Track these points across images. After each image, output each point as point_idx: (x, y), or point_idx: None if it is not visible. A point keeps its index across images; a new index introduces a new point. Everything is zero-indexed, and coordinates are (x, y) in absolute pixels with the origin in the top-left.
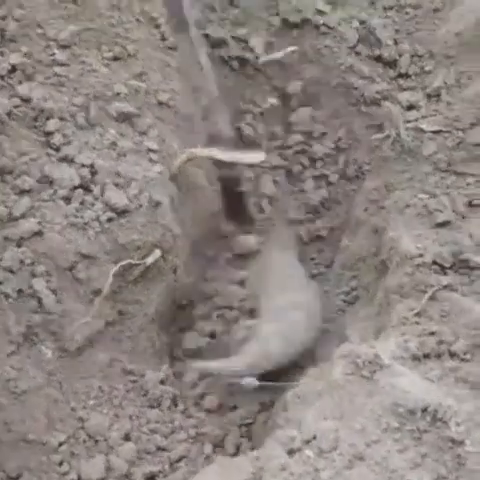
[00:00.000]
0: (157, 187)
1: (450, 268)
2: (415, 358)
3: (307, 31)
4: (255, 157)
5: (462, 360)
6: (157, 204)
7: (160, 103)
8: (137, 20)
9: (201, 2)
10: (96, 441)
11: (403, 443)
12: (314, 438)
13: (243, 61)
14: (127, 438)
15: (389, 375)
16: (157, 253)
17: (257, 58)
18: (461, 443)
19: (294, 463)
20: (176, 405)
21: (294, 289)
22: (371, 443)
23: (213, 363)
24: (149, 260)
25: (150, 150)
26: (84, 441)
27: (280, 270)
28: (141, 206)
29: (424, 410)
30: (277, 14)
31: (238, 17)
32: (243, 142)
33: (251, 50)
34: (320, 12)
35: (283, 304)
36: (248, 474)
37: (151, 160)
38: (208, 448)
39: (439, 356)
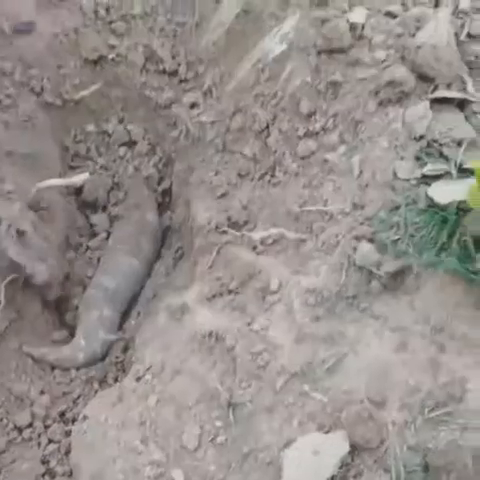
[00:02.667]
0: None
1: (227, 228)
2: (207, 299)
3: (105, 64)
4: (82, 177)
5: (235, 294)
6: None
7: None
8: None
9: None
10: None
11: (202, 357)
12: (150, 366)
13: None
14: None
15: (190, 315)
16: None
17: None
18: (233, 349)
19: (139, 385)
20: None
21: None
22: (183, 361)
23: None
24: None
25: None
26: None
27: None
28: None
29: (210, 334)
30: (80, 56)
31: None
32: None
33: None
34: (112, 46)
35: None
36: (114, 397)
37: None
38: (96, 385)
39: (222, 294)
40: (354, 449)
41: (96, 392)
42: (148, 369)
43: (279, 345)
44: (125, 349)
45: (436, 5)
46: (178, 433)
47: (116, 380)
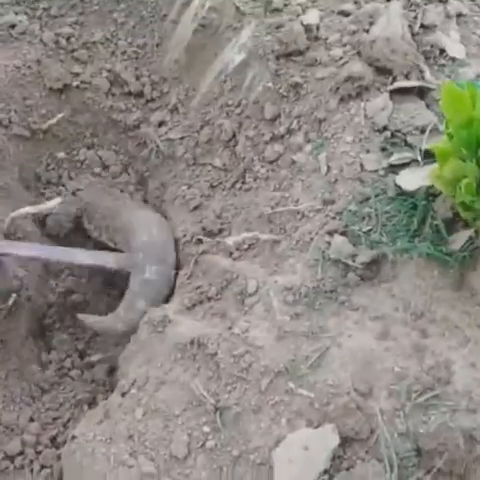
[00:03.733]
0: None
1: (203, 238)
2: (187, 308)
3: (71, 92)
4: (54, 202)
5: (215, 300)
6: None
7: None
8: None
9: None
10: (12, 429)
11: (186, 365)
12: (135, 381)
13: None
14: (31, 420)
15: (172, 326)
16: (13, 296)
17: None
18: (215, 354)
19: (125, 400)
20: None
21: None
22: (167, 371)
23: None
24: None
25: None
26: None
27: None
28: None
29: (192, 342)
30: (45, 87)
31: None
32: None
33: None
34: (76, 74)
35: None
36: (101, 415)
37: None
38: (85, 407)
39: (201, 302)
40: (345, 441)
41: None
42: (133, 383)
43: (261, 346)
44: (111, 371)
45: (388, 0)
46: (166, 443)
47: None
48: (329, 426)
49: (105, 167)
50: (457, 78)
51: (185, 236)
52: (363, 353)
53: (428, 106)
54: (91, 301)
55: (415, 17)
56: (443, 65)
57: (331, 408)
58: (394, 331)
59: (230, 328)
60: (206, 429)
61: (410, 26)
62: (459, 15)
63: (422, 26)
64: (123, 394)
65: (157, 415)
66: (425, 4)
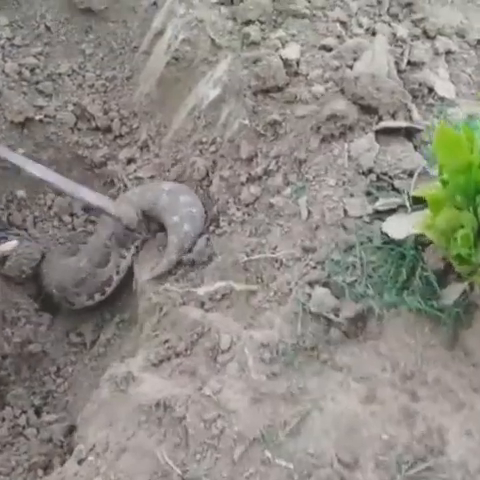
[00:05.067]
0: None
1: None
2: (153, 365)
3: (33, 127)
4: (11, 244)
5: (184, 356)
6: None
7: None
8: None
9: None
10: None
11: (150, 430)
12: (94, 446)
13: None
14: None
15: (136, 385)
16: None
17: None
18: (183, 418)
19: (82, 469)
20: None
21: None
22: (130, 437)
23: None
24: None
25: None
26: None
27: None
28: None
29: (158, 404)
30: (5, 120)
31: None
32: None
33: None
34: (39, 107)
35: None
36: None
37: None
38: (40, 472)
39: (169, 358)
40: None
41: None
42: (91, 449)
43: (234, 409)
44: (70, 431)
45: (373, 34)
46: None
47: (62, 464)
48: None
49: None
50: (446, 119)
51: (153, 284)
52: (347, 418)
53: (416, 148)
54: (50, 352)
55: (402, 53)
56: (431, 105)
57: None
58: (381, 394)
59: (200, 389)
60: None
61: (396, 63)
62: (448, 52)
63: (409, 63)
64: (80, 461)
65: None
66: (412, 40)
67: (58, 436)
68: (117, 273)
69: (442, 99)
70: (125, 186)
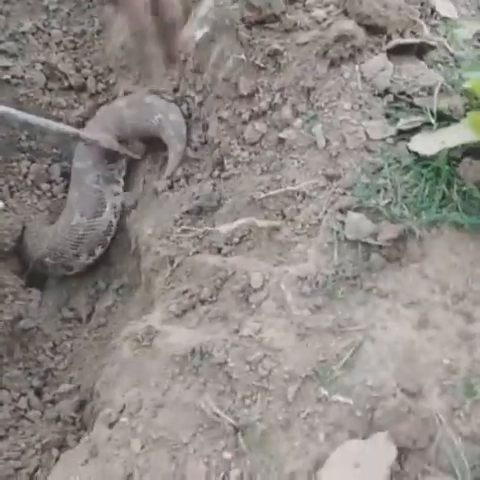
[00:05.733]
0: None
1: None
2: (177, 316)
3: (1, 88)
4: None
5: (210, 303)
6: None
7: None
8: None
9: None
10: None
11: (187, 381)
12: (124, 407)
13: None
14: None
15: (161, 337)
16: None
17: None
18: (225, 363)
19: (115, 432)
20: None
21: None
22: (166, 391)
23: None
24: None
25: None
26: None
27: None
28: None
29: (193, 351)
30: None
31: None
32: None
33: None
34: (5, 67)
35: None
36: (86, 455)
37: None
38: (55, 452)
39: (194, 307)
40: (400, 454)
41: (57, 459)
42: (122, 411)
43: (280, 348)
44: (81, 405)
45: None
46: (178, 479)
47: (78, 441)
48: (381, 435)
49: (51, 181)
50: (454, 39)
51: (158, 238)
52: (403, 346)
53: (430, 67)
54: (43, 327)
55: None
56: (436, 25)
57: (377, 414)
58: (434, 318)
59: (237, 331)
60: (227, 455)
61: None
62: None
63: None
64: (111, 425)
65: (160, 445)
66: None
67: (68, 413)
68: (115, 215)
69: (445, 19)
70: None
